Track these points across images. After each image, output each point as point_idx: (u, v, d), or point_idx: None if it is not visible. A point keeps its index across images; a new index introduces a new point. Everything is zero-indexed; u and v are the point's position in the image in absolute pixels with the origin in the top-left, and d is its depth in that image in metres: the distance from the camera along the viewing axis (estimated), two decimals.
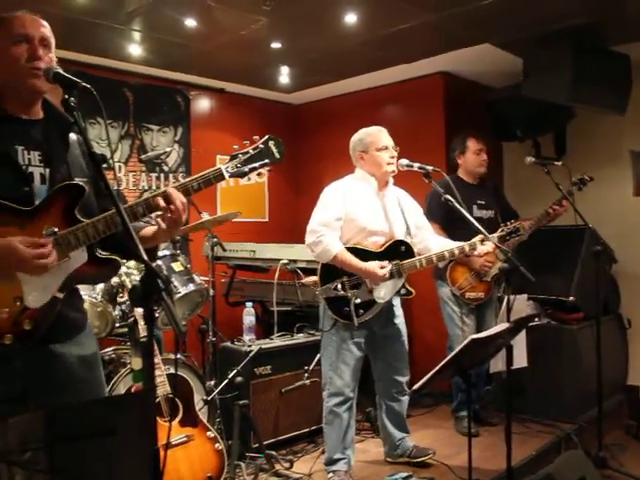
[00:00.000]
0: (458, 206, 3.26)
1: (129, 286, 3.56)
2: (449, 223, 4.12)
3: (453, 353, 2.53)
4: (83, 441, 1.25)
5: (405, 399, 3.71)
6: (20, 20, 1.94)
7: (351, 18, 4.19)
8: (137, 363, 3.11)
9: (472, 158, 4.43)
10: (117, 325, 3.68)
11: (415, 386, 2.53)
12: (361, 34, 4.47)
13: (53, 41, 2.00)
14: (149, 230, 2.10)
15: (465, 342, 2.49)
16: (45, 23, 1.99)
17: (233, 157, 2.06)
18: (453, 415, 4.48)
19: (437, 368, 2.50)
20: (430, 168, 3.46)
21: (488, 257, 4.02)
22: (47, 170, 1.98)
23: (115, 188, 1.71)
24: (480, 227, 3.23)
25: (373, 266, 3.35)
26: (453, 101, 5.50)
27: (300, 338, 4.33)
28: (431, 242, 3.64)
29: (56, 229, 1.89)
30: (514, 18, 4.20)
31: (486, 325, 4.19)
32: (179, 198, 1.96)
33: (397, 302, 3.64)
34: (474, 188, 4.45)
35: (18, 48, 1.91)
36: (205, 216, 3.84)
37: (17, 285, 1.86)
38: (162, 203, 1.94)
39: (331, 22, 4.27)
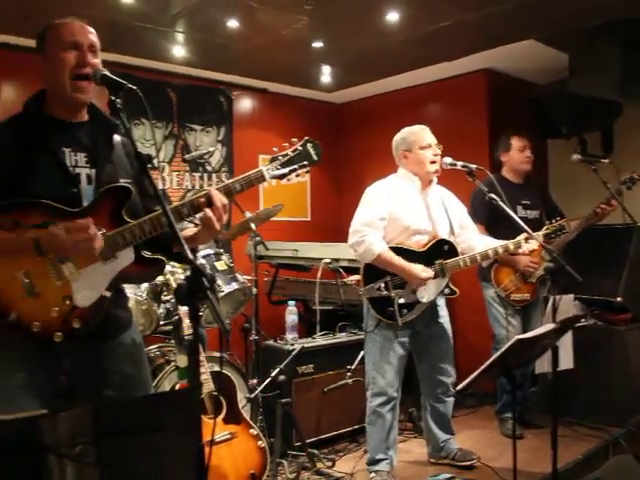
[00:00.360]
0: (502, 204, 3.22)
1: (173, 285, 3.61)
2: (493, 223, 4.07)
3: (498, 353, 2.50)
4: (131, 436, 1.27)
5: (450, 400, 3.67)
6: (69, 27, 1.99)
7: (393, 16, 4.18)
8: (182, 361, 3.14)
9: (516, 155, 4.36)
10: (161, 323, 3.74)
11: (459, 386, 2.51)
12: (403, 32, 4.45)
13: (99, 47, 2.04)
14: (190, 231, 2.13)
15: (511, 342, 2.45)
16: (92, 30, 2.03)
17: (273, 159, 2.12)
18: (497, 416, 4.42)
19: (482, 368, 2.47)
20: (474, 166, 3.42)
21: (533, 258, 3.96)
22: (93, 171, 2.03)
23: (160, 188, 1.73)
24: (525, 226, 3.18)
25: (417, 268, 3.32)
26: (496, 99, 5.43)
27: (342, 337, 4.33)
28: (475, 241, 3.60)
29: (104, 230, 1.93)
30: (558, 13, 4.12)
31: (532, 326, 4.11)
32: (220, 199, 1.98)
33: (442, 302, 3.60)
34: (519, 188, 4.37)
35: (67, 54, 1.95)
36: (248, 214, 3.87)
37: (66, 284, 1.91)
38: (204, 204, 1.96)
39: (373, 21, 4.26)
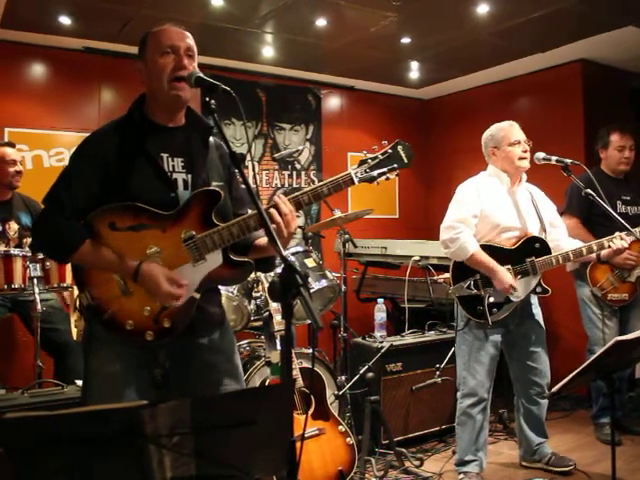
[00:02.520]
0: (600, 201, 3.09)
1: (264, 281, 3.67)
2: (589, 218, 3.92)
3: (596, 355, 2.40)
4: (226, 430, 1.30)
5: (544, 402, 3.55)
6: (167, 33, 2.05)
7: (483, 9, 4.09)
8: (275, 357, 3.19)
9: (613, 155, 4.15)
10: (252, 319, 3.81)
11: (554, 388, 2.43)
12: (494, 24, 4.35)
13: (196, 51, 2.09)
14: (264, 240, 2.14)
15: (610, 344, 2.35)
16: (189, 35, 2.08)
17: (362, 162, 2.09)
18: (593, 421, 4.25)
19: (578, 370, 2.39)
20: (568, 161, 3.33)
21: (632, 252, 3.78)
22: (189, 176, 2.08)
23: (254, 186, 1.74)
24: (624, 222, 3.05)
25: (507, 274, 3.25)
26: (592, 90, 5.21)
27: (431, 336, 4.28)
28: (563, 242, 3.48)
29: (194, 232, 1.98)
30: None
31: (630, 328, 3.93)
32: (288, 207, 1.96)
33: (534, 300, 3.51)
34: (618, 182, 4.18)
35: (165, 59, 2.01)
36: (337, 213, 3.89)
37: None
38: (275, 213, 1.95)
39: (462, 14, 4.18)
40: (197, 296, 2.02)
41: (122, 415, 1.21)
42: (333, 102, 6.04)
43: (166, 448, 1.25)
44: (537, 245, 3.35)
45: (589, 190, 3.20)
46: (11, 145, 3.94)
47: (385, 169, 2.09)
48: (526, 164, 3.38)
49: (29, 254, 3.49)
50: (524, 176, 3.48)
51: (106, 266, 1.98)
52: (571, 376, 2.40)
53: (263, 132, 5.57)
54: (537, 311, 3.53)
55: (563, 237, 3.53)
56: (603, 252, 3.33)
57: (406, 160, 2.12)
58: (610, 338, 3.08)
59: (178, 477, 1.29)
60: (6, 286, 3.43)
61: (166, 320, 1.98)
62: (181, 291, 1.95)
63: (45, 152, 4.67)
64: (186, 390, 2.08)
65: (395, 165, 2.10)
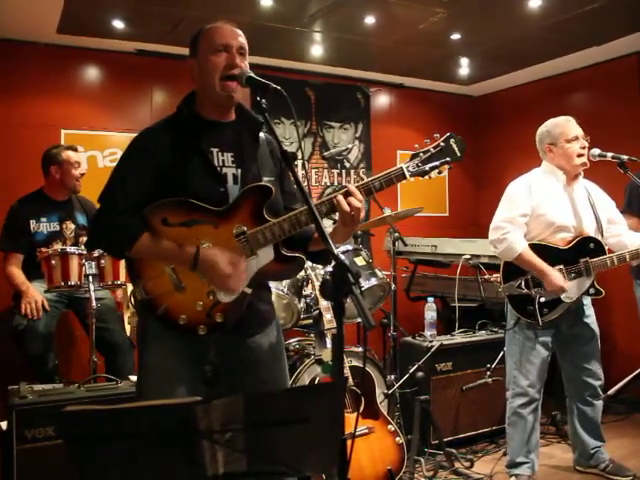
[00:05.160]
0: None
1: (314, 280, 3.67)
2: None
3: None
4: (278, 427, 1.31)
5: (599, 404, 3.45)
6: (221, 31, 2.06)
7: (535, 2, 4.02)
8: (326, 355, 3.20)
9: None
10: (302, 317, 3.82)
11: (611, 390, 2.38)
12: (546, 18, 4.26)
13: (247, 49, 2.10)
14: (328, 230, 2.13)
15: None
16: (241, 33, 2.09)
17: (414, 156, 2.06)
18: None
19: (637, 372, 2.33)
20: (625, 157, 3.25)
21: None
22: (239, 171, 2.09)
23: (305, 185, 1.75)
24: None
25: (557, 274, 3.18)
26: None
27: (482, 335, 4.24)
28: (625, 238, 3.38)
29: (245, 228, 2.00)
30: None
31: None
32: (358, 196, 1.97)
33: (588, 301, 3.43)
34: None
35: (218, 57, 2.03)
36: (387, 211, 3.87)
37: None
38: (343, 200, 1.95)
39: (513, 8, 4.11)
40: (249, 291, 2.03)
41: (177, 411, 1.23)
42: (382, 100, 6.02)
43: (219, 444, 1.27)
44: (592, 245, 3.27)
45: None
46: (74, 149, 4.05)
47: (437, 163, 2.05)
48: (584, 160, 3.29)
49: (85, 252, 3.58)
50: (581, 173, 3.39)
51: (165, 256, 2.00)
52: (628, 378, 2.35)
53: (312, 131, 5.59)
54: (590, 312, 3.44)
55: (624, 232, 3.43)
56: None
57: (459, 153, 2.07)
58: None
59: (230, 473, 1.31)
60: (63, 283, 3.53)
61: (219, 315, 2.00)
62: (238, 272, 1.96)
63: (99, 153, 4.78)
64: (235, 387, 2.09)
65: (448, 159, 2.06)
